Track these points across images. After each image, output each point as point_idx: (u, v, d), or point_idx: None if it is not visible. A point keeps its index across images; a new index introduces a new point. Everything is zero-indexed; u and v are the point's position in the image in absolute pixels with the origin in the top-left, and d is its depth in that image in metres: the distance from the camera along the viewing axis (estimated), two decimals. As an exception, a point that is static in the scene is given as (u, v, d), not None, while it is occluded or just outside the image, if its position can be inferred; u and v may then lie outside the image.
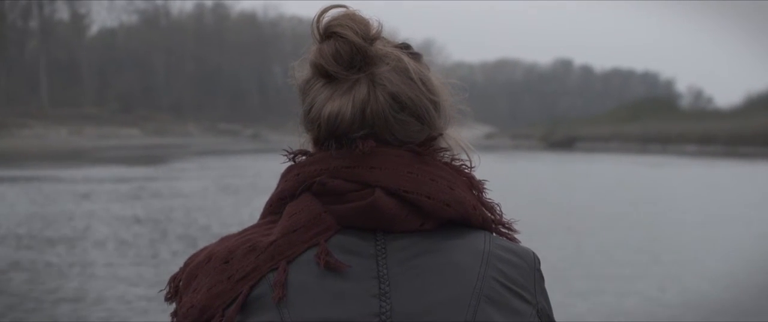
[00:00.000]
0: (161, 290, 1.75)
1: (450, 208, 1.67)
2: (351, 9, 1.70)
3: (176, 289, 1.72)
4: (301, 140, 1.78)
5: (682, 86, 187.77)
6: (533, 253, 1.75)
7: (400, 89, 1.68)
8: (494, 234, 1.75)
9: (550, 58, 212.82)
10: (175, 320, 1.71)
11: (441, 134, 1.76)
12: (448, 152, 1.78)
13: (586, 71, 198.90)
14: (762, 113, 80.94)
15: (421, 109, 1.71)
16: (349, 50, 1.67)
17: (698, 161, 59.55)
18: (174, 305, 1.71)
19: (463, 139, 1.82)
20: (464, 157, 1.80)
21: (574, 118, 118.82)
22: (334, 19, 1.69)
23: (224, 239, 1.72)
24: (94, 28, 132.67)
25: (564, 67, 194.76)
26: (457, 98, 1.81)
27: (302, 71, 1.77)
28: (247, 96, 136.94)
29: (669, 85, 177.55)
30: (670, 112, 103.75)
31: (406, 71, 1.70)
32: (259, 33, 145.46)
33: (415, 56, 1.75)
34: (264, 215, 1.77)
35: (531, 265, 1.72)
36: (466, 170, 1.78)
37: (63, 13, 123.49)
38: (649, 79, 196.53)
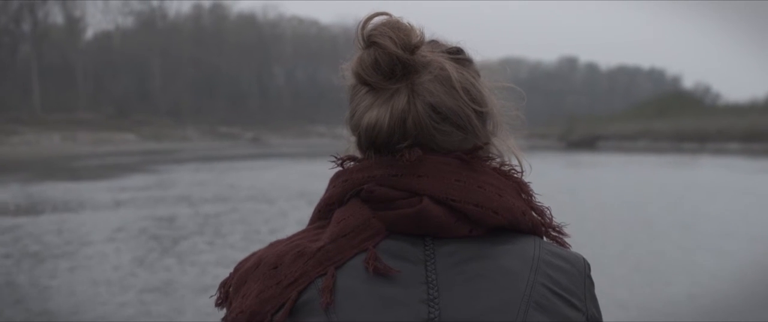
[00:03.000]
0: (212, 296, 1.74)
1: (498, 215, 1.64)
2: (394, 17, 1.67)
3: (226, 294, 1.72)
4: (349, 143, 1.77)
5: (689, 83, 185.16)
6: (584, 258, 1.72)
7: (441, 100, 1.66)
8: (544, 238, 1.73)
9: (555, 56, 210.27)
10: None
11: (487, 143, 1.74)
12: (497, 159, 1.76)
13: (592, 69, 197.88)
14: None
15: (463, 119, 1.68)
16: (388, 60, 1.64)
17: (748, 159, 56.12)
18: (224, 311, 1.71)
19: (513, 144, 1.79)
20: (514, 162, 1.78)
21: (592, 116, 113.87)
22: (375, 28, 1.67)
23: (273, 245, 1.71)
24: (90, 32, 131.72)
25: (569, 64, 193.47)
26: (509, 103, 1.79)
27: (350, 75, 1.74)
28: (247, 98, 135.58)
29: (676, 81, 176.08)
30: (696, 108, 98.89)
31: (449, 80, 1.67)
32: (259, 34, 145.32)
33: (464, 62, 1.73)
34: (312, 221, 1.75)
35: (581, 271, 1.69)
36: (515, 175, 1.75)
37: (57, 16, 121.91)
38: (655, 76, 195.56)
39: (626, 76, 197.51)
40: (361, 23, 1.66)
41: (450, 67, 1.68)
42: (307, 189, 29.82)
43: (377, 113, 1.65)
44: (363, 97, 1.69)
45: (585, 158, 57.33)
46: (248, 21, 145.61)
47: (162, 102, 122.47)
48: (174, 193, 30.15)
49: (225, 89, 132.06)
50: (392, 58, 1.63)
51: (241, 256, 1.75)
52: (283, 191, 29.97)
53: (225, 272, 1.74)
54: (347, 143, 1.77)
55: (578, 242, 1.78)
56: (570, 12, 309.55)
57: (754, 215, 23.27)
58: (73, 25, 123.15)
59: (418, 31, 1.67)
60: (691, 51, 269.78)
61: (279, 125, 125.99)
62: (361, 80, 1.66)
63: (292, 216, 22.26)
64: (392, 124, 1.64)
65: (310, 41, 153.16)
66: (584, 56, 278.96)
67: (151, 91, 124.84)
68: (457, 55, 1.73)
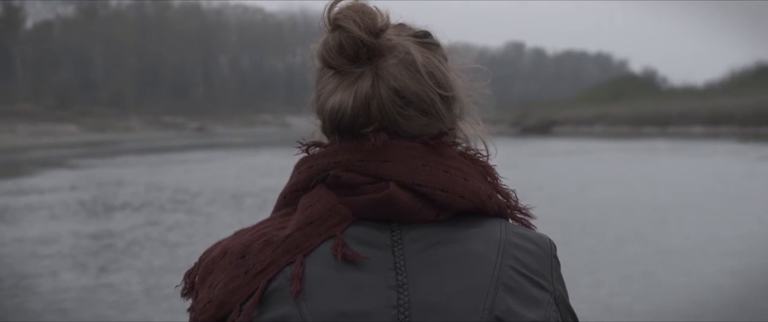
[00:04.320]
0: (177, 286, 1.71)
1: (465, 199, 1.64)
2: (360, 1, 1.67)
3: (192, 284, 1.70)
4: (314, 126, 1.76)
5: (635, 67, 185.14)
6: (549, 239, 1.72)
7: (405, 84, 1.64)
8: (510, 221, 1.74)
9: (501, 42, 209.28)
10: (192, 315, 1.69)
11: (452, 128, 1.73)
12: (462, 144, 1.75)
13: (539, 54, 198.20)
14: (751, 89, 76.96)
15: (428, 104, 1.67)
16: (352, 44, 1.63)
17: (716, 143, 53.76)
18: (190, 301, 1.70)
19: (480, 128, 1.78)
20: (480, 146, 1.77)
21: (545, 101, 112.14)
22: (341, 11, 1.66)
23: (239, 234, 1.69)
24: (29, 21, 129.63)
25: (516, 50, 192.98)
26: (477, 85, 1.77)
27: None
28: (192, 88, 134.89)
29: (622, 66, 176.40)
30: (652, 91, 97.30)
31: (414, 64, 1.65)
32: (203, 22, 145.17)
33: (430, 46, 1.71)
34: (278, 208, 1.74)
35: (547, 251, 1.69)
36: (480, 159, 1.74)
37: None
38: (602, 60, 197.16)
39: (573, 61, 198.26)
40: (328, 6, 1.66)
41: (415, 50, 1.66)
42: (243, 190, 26.60)
43: (341, 97, 1.64)
44: (328, 80, 1.67)
45: (555, 146, 54.40)
46: (192, 9, 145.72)
47: (104, 92, 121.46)
48: (84, 196, 26.44)
49: (169, 78, 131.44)
50: (356, 41, 1.63)
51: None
52: (214, 193, 26.28)
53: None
54: (313, 127, 1.75)
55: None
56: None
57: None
58: (12, 14, 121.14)
59: (383, 15, 1.66)
60: (637, 36, 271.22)
61: (224, 114, 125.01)
62: (326, 63, 1.66)
63: (217, 229, 18.02)
64: (356, 108, 1.63)
65: (255, 29, 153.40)
66: (531, 42, 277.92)
67: (93, 82, 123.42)
68: (424, 39, 1.70)
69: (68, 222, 20.16)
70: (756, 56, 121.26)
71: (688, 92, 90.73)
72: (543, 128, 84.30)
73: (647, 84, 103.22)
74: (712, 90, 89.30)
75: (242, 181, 29.61)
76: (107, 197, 25.35)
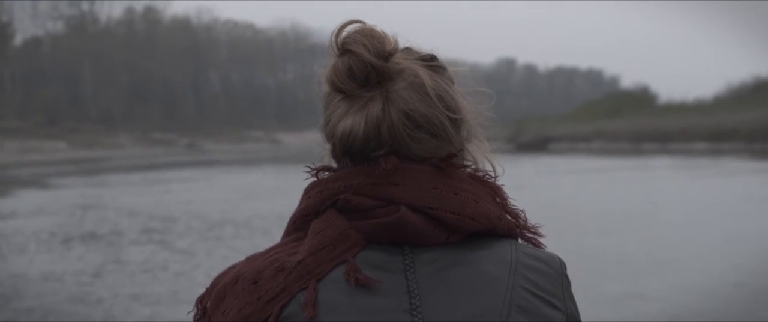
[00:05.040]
0: (189, 312, 1.73)
1: (475, 222, 1.66)
2: (368, 25, 1.70)
3: (204, 310, 1.71)
4: (323, 151, 1.77)
5: (627, 83, 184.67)
6: (559, 258, 1.74)
7: (415, 107, 1.66)
8: (520, 241, 1.75)
9: (493, 58, 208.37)
10: None
11: (461, 150, 1.75)
12: (471, 165, 1.76)
13: (530, 70, 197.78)
14: (747, 106, 75.61)
15: (437, 126, 1.69)
16: (362, 68, 1.66)
17: (722, 160, 52.34)
18: None
19: (486, 149, 1.80)
20: (488, 167, 1.79)
21: (540, 117, 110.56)
22: (349, 35, 1.69)
23: (251, 259, 1.71)
24: (18, 38, 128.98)
25: (508, 66, 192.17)
26: (482, 108, 1.79)
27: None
28: (182, 104, 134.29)
29: (614, 82, 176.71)
30: (648, 107, 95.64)
31: (423, 87, 1.67)
32: (193, 38, 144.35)
33: (437, 69, 1.73)
34: (288, 233, 1.75)
35: (558, 271, 1.71)
36: (489, 181, 1.76)
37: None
38: (593, 76, 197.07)
39: (564, 77, 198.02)
40: (336, 31, 1.69)
41: (424, 74, 1.67)
42: (226, 216, 24.46)
43: (352, 121, 1.65)
44: (337, 104, 1.69)
45: (558, 164, 52.37)
46: (182, 25, 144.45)
47: (94, 109, 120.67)
48: (49, 222, 24.03)
49: (159, 95, 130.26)
50: (366, 65, 1.64)
51: None
52: (191, 220, 23.84)
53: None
54: (322, 151, 1.76)
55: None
56: (507, 13, 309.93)
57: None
58: (1, 30, 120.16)
59: (392, 39, 1.69)
60: (628, 52, 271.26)
61: (215, 131, 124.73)
62: (336, 88, 1.68)
63: (187, 269, 15.37)
64: (367, 131, 1.64)
65: (245, 45, 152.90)
66: (522, 58, 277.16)
67: (83, 98, 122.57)
68: (430, 62, 1.72)
69: (27, 256, 18.09)
70: (753, 72, 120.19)
71: (687, 108, 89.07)
72: (539, 145, 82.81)
73: (644, 99, 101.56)
74: (709, 105, 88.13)
75: (226, 205, 27.45)
76: (71, 226, 22.99)
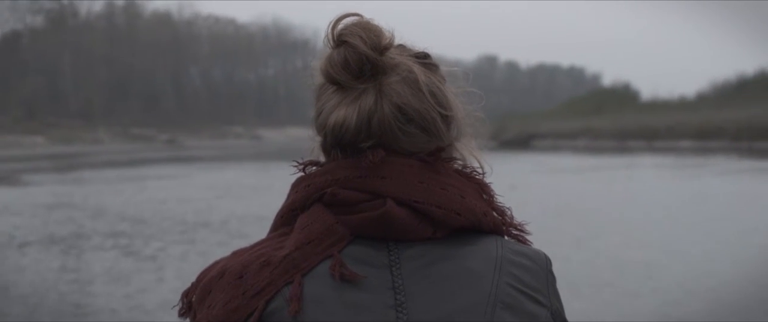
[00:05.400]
0: (175, 306, 1.72)
1: (461, 216, 1.67)
2: (365, 18, 1.71)
3: (190, 304, 1.72)
4: (313, 143, 1.78)
5: (608, 80, 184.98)
6: (545, 254, 1.75)
7: (407, 101, 1.67)
8: (506, 237, 1.76)
9: (474, 55, 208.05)
10: None
11: (450, 144, 1.75)
12: (458, 161, 1.78)
13: (512, 67, 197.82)
14: (732, 103, 75.82)
15: (428, 121, 1.69)
16: (357, 59, 1.66)
17: (709, 158, 52.21)
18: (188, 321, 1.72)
19: (474, 146, 1.81)
20: (475, 163, 1.80)
21: (523, 114, 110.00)
22: (346, 27, 1.69)
23: (236, 254, 1.71)
24: None
25: (489, 63, 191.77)
26: (472, 107, 1.80)
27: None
28: (162, 99, 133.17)
29: (595, 79, 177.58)
30: (633, 104, 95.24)
31: (416, 83, 1.69)
32: (174, 33, 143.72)
33: (430, 67, 1.74)
34: (275, 227, 1.75)
35: (543, 267, 1.72)
36: (476, 177, 1.77)
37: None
38: (574, 74, 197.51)
39: (546, 74, 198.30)
40: (332, 23, 1.69)
41: (418, 70, 1.68)
42: (200, 217, 23.26)
43: (345, 112, 1.66)
44: (330, 96, 1.70)
45: (547, 162, 51.27)
46: (163, 19, 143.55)
47: (73, 103, 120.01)
48: (10, 223, 22.88)
49: (139, 90, 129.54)
50: (362, 57, 1.65)
51: None
52: (162, 222, 22.42)
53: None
54: (312, 144, 1.77)
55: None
56: (489, 10, 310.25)
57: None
58: None
59: (387, 33, 1.70)
60: (610, 49, 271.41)
61: (195, 127, 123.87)
62: (330, 79, 1.68)
63: (150, 284, 13.78)
64: (359, 123, 1.65)
65: (227, 40, 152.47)
66: (504, 55, 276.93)
67: (62, 92, 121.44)
68: (424, 59, 1.73)
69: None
70: (737, 69, 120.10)
71: (671, 106, 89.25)
72: (522, 142, 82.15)
73: (627, 97, 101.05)
74: (694, 103, 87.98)
75: (201, 204, 26.27)
76: (31, 228, 21.50)
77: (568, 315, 1.72)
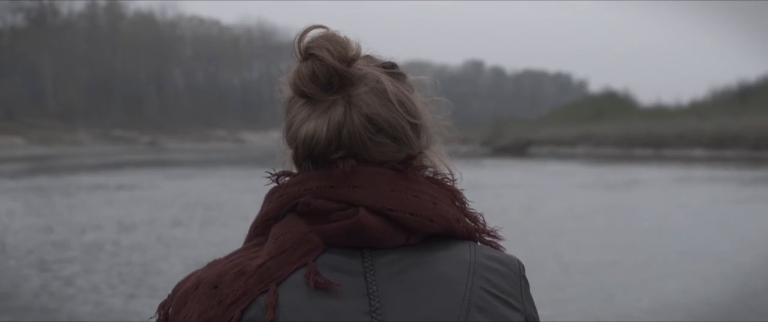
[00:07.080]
0: (152, 317, 1.73)
1: (434, 223, 1.68)
2: (331, 30, 1.71)
3: (166, 316, 1.72)
4: (285, 156, 1.79)
5: (595, 87, 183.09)
6: (518, 260, 1.76)
7: (377, 111, 1.69)
8: (479, 243, 1.77)
9: (460, 60, 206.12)
10: None
11: (421, 152, 1.77)
12: (430, 169, 1.79)
13: (498, 73, 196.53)
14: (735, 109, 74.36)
15: (398, 131, 1.71)
16: (325, 72, 1.68)
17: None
18: None
19: (444, 154, 1.82)
20: (446, 171, 1.82)
21: (518, 119, 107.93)
22: (313, 40, 1.70)
23: (212, 265, 1.72)
24: None
25: (475, 68, 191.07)
26: (440, 116, 1.82)
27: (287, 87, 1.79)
28: (144, 101, 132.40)
29: (582, 85, 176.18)
30: (632, 111, 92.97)
31: (384, 93, 1.70)
32: (157, 34, 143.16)
33: (398, 76, 1.76)
34: (250, 238, 1.77)
35: (516, 272, 1.73)
36: (448, 184, 1.78)
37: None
38: (561, 80, 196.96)
39: (532, 79, 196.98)
40: (298, 36, 1.71)
41: (386, 80, 1.70)
42: (177, 237, 19.46)
43: (315, 124, 1.67)
44: (300, 109, 1.71)
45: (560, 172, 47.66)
46: (146, 20, 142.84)
47: (53, 104, 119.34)
48: None
49: (120, 91, 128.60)
50: (329, 69, 1.66)
51: None
52: (110, 246, 18.71)
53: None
54: (283, 157, 1.78)
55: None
56: (475, 15, 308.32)
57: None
58: None
59: (354, 45, 1.71)
60: (596, 56, 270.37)
61: (177, 129, 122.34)
62: (299, 92, 1.70)
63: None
64: (329, 135, 1.67)
65: (210, 42, 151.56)
66: (490, 60, 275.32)
67: (42, 93, 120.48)
68: (391, 69, 1.74)
69: None
70: (739, 76, 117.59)
71: (682, 111, 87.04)
72: (519, 149, 79.29)
73: (627, 103, 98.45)
74: (688, 110, 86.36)
75: (172, 216, 22.45)
76: None
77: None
